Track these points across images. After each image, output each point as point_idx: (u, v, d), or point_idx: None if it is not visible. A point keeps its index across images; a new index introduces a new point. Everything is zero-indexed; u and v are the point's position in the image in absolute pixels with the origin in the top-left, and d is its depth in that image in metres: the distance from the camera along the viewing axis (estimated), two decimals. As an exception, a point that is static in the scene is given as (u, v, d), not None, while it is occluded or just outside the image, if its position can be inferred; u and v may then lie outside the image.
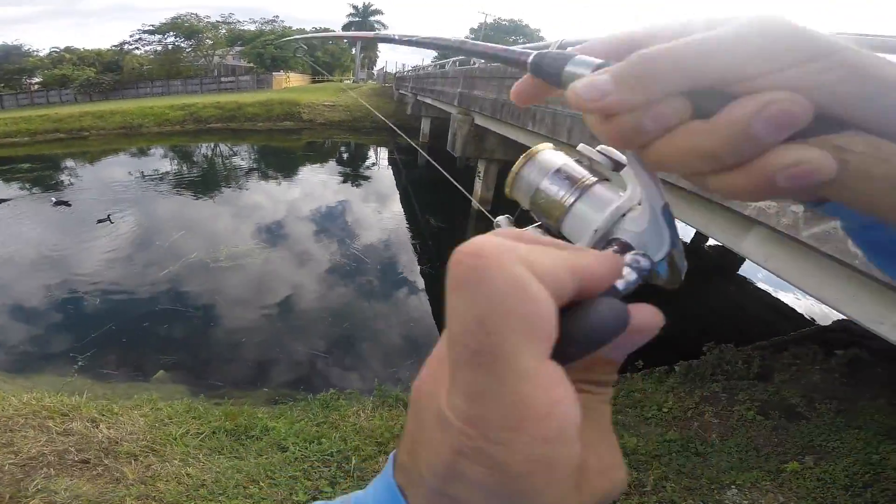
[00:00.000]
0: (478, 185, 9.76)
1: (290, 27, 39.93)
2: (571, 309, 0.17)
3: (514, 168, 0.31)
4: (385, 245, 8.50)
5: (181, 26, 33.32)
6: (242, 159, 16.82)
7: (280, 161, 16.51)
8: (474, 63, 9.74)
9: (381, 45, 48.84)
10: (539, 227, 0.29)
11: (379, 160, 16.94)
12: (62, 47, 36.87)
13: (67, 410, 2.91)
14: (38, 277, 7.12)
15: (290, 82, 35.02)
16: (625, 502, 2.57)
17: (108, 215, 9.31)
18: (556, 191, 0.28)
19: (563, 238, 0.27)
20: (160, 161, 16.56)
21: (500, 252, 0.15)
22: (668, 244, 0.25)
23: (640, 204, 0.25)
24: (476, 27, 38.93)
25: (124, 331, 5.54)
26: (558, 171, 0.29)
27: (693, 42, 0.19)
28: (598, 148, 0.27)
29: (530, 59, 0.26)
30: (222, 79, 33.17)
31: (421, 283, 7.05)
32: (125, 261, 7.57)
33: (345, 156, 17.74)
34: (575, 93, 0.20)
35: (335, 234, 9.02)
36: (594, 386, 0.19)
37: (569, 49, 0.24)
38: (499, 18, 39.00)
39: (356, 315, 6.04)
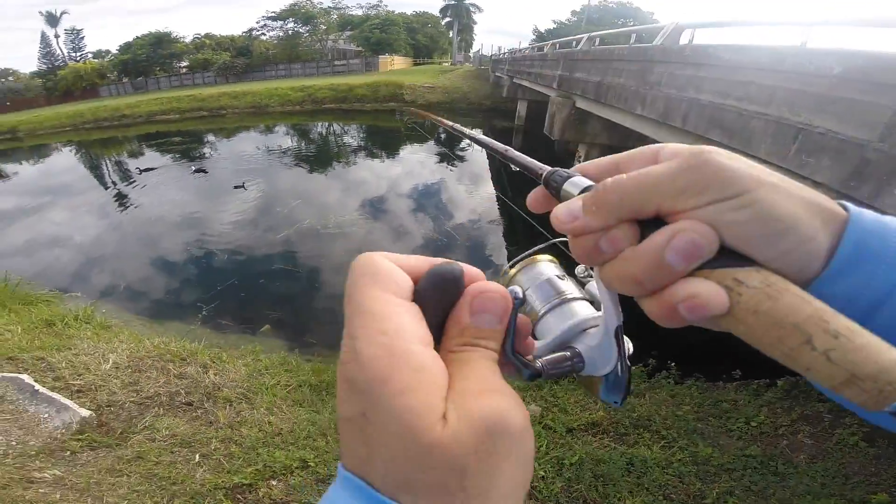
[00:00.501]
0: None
1: (392, 11, 41.39)
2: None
3: (511, 272, 0.36)
4: (475, 225, 8.63)
5: (298, 12, 36.41)
6: (352, 137, 18.14)
7: (385, 140, 17.50)
8: (576, 45, 9.60)
9: (476, 28, 48.90)
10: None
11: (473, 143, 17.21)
12: (203, 34, 42.83)
13: (187, 355, 3.15)
14: (179, 236, 8.42)
15: (395, 65, 36.46)
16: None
17: (244, 183, 10.76)
18: (535, 300, 0.33)
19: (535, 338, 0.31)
20: (282, 138, 18.66)
21: (371, 253, 0.24)
22: (612, 364, 0.28)
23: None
24: (579, 10, 36.67)
25: (243, 286, 6.25)
26: (544, 282, 0.34)
27: (637, 176, 0.23)
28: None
29: (544, 174, 0.30)
30: (335, 62, 35.74)
31: (506, 265, 7.21)
32: (250, 224, 8.68)
33: (442, 136, 18.30)
34: (555, 215, 0.25)
35: (429, 210, 9.39)
36: (470, 346, 0.22)
37: (575, 171, 0.28)
38: (606, 1, 36.23)
39: None
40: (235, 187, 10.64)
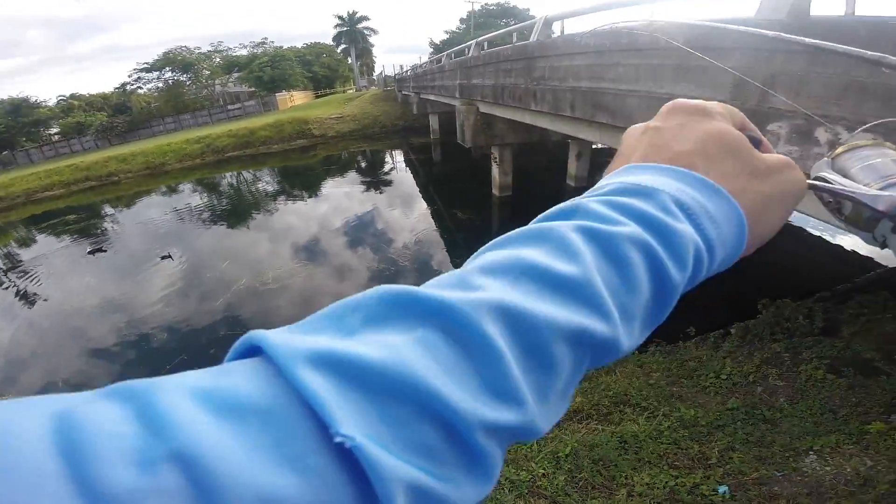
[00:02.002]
0: (495, 172, 9.76)
1: (280, 46, 40.28)
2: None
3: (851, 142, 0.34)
4: (417, 245, 8.68)
5: (174, 60, 33.91)
6: (266, 183, 17.31)
7: (302, 179, 16.93)
8: (468, 52, 9.73)
9: (374, 51, 48.98)
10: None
11: (396, 163, 17.23)
12: (68, 95, 38.41)
13: None
14: (105, 322, 7.61)
15: (295, 100, 35.40)
16: (687, 477, 2.43)
17: (169, 253, 9.92)
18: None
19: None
20: (190, 196, 17.21)
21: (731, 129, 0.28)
22: None
23: None
24: (465, 17, 38.50)
25: (194, 361, 5.83)
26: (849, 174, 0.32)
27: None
28: None
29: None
30: (229, 107, 33.73)
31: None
32: (182, 295, 8.02)
33: (362, 164, 18.09)
34: None
35: (368, 241, 9.29)
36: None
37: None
38: (486, 4, 38.43)
39: None
40: (162, 258, 9.80)
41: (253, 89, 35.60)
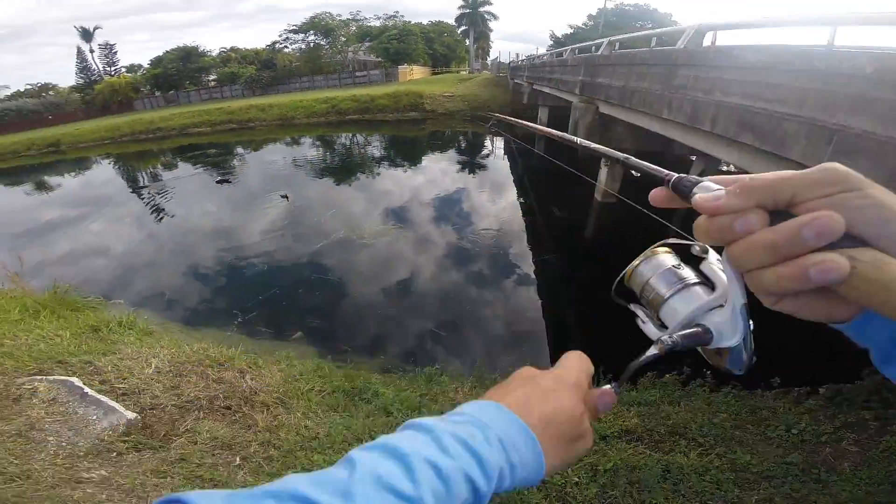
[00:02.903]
0: (603, 176, 9.41)
1: (408, 21, 42.01)
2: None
3: (633, 263, 0.42)
4: (499, 233, 8.61)
5: (318, 25, 37.28)
6: (375, 148, 18.50)
7: (407, 150, 17.80)
8: (595, 50, 9.47)
9: (491, 36, 49.03)
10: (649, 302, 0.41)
11: (495, 149, 17.30)
12: (228, 47, 44.31)
13: (224, 360, 3.20)
14: (213, 245, 8.74)
15: (414, 74, 36.95)
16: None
17: (287, 194, 11.27)
18: (659, 286, 0.39)
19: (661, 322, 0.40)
20: (308, 149, 19.20)
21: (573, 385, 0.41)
22: (740, 335, 0.34)
23: (725, 303, 0.35)
24: (595, 13, 36.43)
25: (281, 295, 6.43)
26: (666, 271, 0.40)
27: (780, 174, 0.30)
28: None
29: (672, 179, 0.36)
30: (356, 73, 36.40)
31: (531, 273, 6.98)
32: (284, 234, 8.96)
33: (463, 145, 18.42)
34: (700, 197, 0.32)
35: (452, 219, 9.47)
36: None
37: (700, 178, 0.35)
38: (622, 3, 35.89)
39: (465, 299, 6.23)
40: (281, 197, 11.18)
41: (379, 59, 37.75)
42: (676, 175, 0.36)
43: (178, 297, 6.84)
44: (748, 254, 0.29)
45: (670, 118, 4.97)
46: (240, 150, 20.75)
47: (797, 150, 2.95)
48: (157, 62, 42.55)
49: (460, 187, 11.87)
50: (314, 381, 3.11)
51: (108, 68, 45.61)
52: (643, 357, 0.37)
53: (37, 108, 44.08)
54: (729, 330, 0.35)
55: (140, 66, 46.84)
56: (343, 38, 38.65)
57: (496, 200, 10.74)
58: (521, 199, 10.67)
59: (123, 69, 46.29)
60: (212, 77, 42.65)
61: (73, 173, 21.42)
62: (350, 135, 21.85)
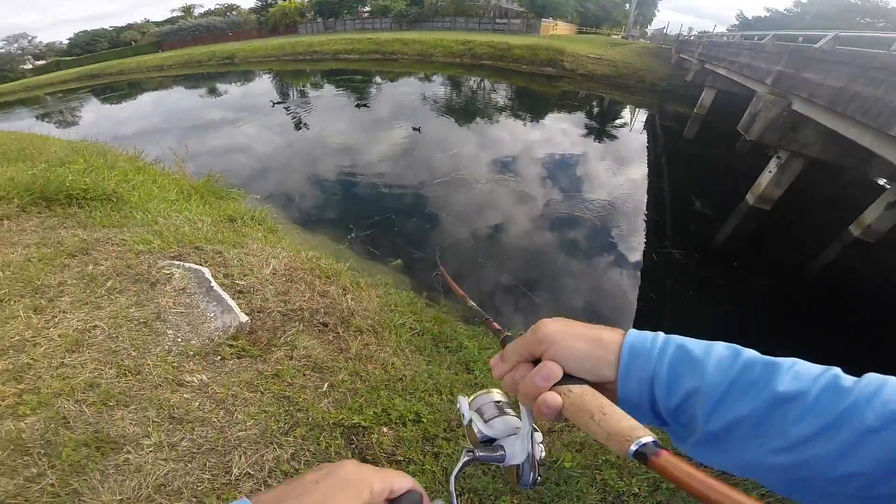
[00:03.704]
0: (765, 178, 7.90)
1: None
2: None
3: (475, 394, 0.55)
4: (609, 207, 7.78)
5: (469, -35, 36.18)
6: (500, 96, 17.90)
7: (532, 104, 16.90)
8: (801, 41, 8.37)
9: (660, 4, 42.68)
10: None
11: (634, 122, 15.50)
12: (385, -19, 45.41)
13: (332, 274, 3.19)
14: (341, 160, 9.35)
15: (558, 30, 34.48)
16: None
17: (420, 127, 11.64)
18: (485, 412, 0.52)
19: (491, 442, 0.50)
20: (439, 87, 19.44)
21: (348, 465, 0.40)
22: (524, 456, 0.45)
23: (519, 431, 0.47)
24: (805, 1, 29.20)
25: (395, 220, 6.64)
26: (490, 403, 0.53)
27: (518, 341, 0.44)
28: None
29: (502, 337, 0.53)
30: (496, 20, 35.18)
31: (635, 257, 6.33)
32: (409, 164, 9.24)
33: (595, 110, 16.87)
34: (492, 364, 0.47)
35: (560, 182, 8.81)
36: None
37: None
38: None
39: (555, 264, 5.89)
40: (414, 129, 11.62)
41: (523, 9, 35.63)
42: (507, 333, 0.53)
43: (305, 202, 7.50)
44: (522, 398, 0.41)
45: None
46: (379, 79, 21.75)
47: None
48: (322, -10, 45.59)
49: (578, 152, 10.98)
50: (406, 315, 3.07)
51: (284, -7, 50.16)
52: (457, 466, 0.48)
53: (221, 25, 51.24)
54: (518, 451, 0.46)
55: (309, -8, 50.73)
56: (491, -19, 37.11)
57: (616, 174, 9.72)
58: (651, 181, 9.46)
59: (295, -6, 50.59)
60: (366, 9, 44.63)
61: (239, 83, 24.78)
62: (479, 79, 21.45)
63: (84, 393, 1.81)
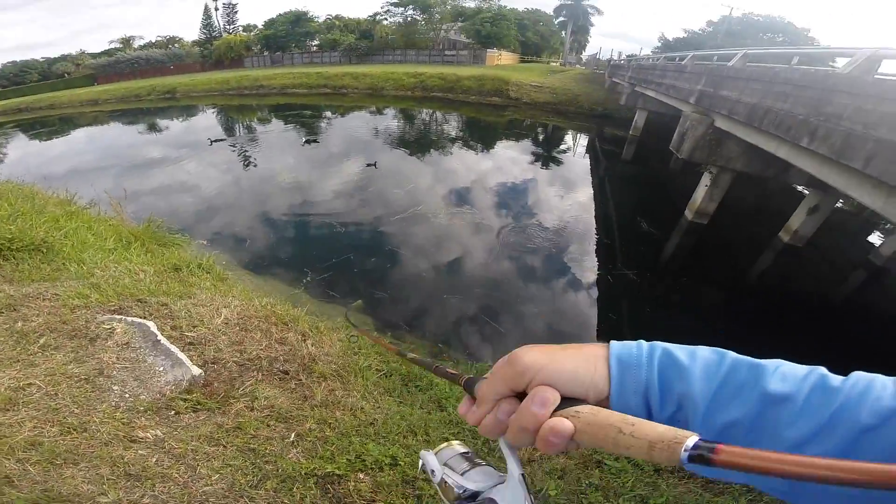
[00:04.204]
0: (699, 193, 8.58)
1: (504, 6, 40.93)
2: None
3: (438, 447, 0.52)
4: (561, 231, 8.10)
5: (418, 0, 37.58)
6: (451, 127, 18.50)
7: (481, 133, 17.54)
8: (716, 60, 9.03)
9: (592, 31, 46.55)
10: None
11: (576, 146, 16.47)
12: (334, 15, 46.28)
13: (289, 320, 3.12)
14: (291, 200, 9.09)
15: (502, 60, 36.28)
16: None
17: (375, 162, 11.55)
18: (455, 465, 0.49)
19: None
20: (390, 120, 19.67)
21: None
22: (522, 500, 0.40)
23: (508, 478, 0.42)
24: (717, 20, 32.98)
25: (353, 262, 6.47)
26: (457, 455, 0.50)
27: (492, 378, 0.40)
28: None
29: (463, 381, 0.45)
30: (445, 52, 36.56)
31: (590, 278, 6.57)
32: (362, 201, 9.09)
33: (540, 137, 17.78)
34: (461, 411, 0.43)
35: (513, 208, 9.12)
36: None
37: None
38: (750, 13, 32.01)
39: (516, 292, 5.98)
40: (369, 164, 11.50)
41: (469, 41, 37.41)
42: (467, 376, 0.45)
43: (256, 245, 7.20)
44: (514, 436, 0.37)
45: (810, 147, 4.49)
46: (329, 113, 21.74)
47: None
48: (269, 24, 45.72)
49: (528, 178, 11.47)
50: (372, 357, 3.02)
51: (228, 26, 49.78)
52: None
53: (162, 58, 49.66)
54: (511, 498, 0.41)
55: (255, 27, 50.60)
56: (438, 15, 38.80)
57: (564, 197, 10.23)
58: (597, 202, 10.04)
59: (241, 28, 50.25)
60: (315, 42, 45.01)
61: (181, 118, 23.91)
62: (430, 111, 22.02)
63: (25, 452, 1.65)
